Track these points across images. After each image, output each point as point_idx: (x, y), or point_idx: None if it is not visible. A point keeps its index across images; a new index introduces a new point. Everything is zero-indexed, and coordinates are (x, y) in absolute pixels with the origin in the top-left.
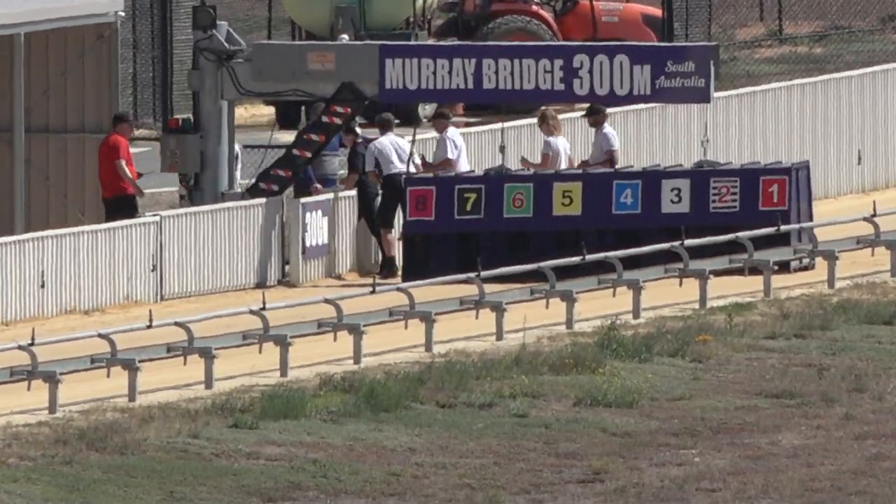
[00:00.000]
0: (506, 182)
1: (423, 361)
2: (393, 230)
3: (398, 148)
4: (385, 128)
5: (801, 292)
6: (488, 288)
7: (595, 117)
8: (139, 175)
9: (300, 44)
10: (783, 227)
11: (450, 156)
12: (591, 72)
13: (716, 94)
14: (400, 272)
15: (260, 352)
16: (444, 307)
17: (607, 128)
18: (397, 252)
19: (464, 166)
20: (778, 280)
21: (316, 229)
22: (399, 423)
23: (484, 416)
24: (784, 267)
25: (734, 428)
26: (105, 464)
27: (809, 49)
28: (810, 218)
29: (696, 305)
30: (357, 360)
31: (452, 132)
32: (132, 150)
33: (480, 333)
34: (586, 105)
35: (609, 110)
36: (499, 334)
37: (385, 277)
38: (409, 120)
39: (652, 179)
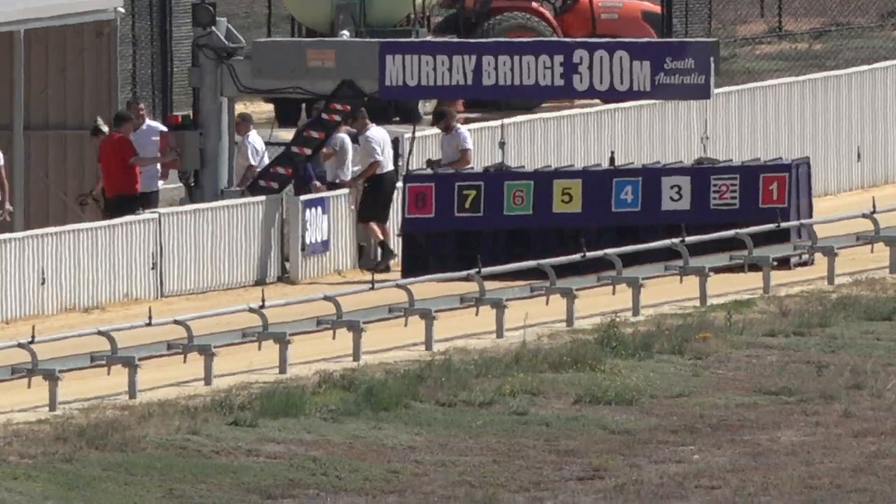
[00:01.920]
0: (506, 179)
1: (422, 359)
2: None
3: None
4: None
5: (801, 289)
6: (488, 285)
7: (445, 121)
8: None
9: (300, 41)
10: (783, 224)
11: (377, 157)
12: (590, 68)
13: (716, 91)
14: (399, 264)
15: (259, 349)
16: (443, 304)
17: (461, 128)
18: (396, 247)
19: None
20: (777, 277)
21: (315, 226)
22: (399, 421)
23: (484, 413)
24: (784, 264)
25: (733, 425)
26: (105, 461)
27: (809, 45)
28: (810, 214)
29: (696, 303)
30: (356, 357)
31: (375, 131)
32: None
33: (480, 331)
34: (586, 101)
35: (609, 106)
36: (499, 332)
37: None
38: (409, 117)
39: (652, 177)
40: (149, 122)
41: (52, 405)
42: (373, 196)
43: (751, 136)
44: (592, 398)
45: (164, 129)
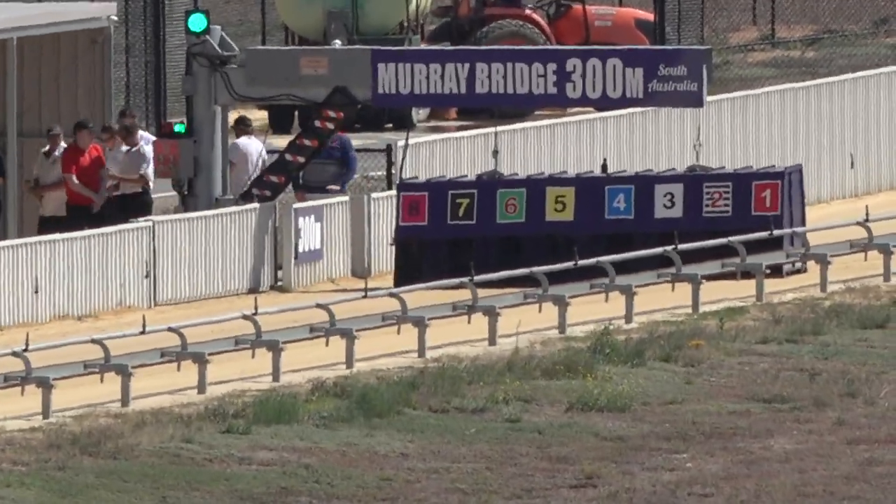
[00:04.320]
0: (499, 187)
1: (415, 366)
2: None
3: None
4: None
5: (794, 296)
6: (481, 293)
7: (131, 134)
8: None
9: (293, 49)
10: (776, 232)
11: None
12: (583, 76)
13: (708, 98)
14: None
15: (252, 357)
16: (436, 312)
17: (144, 147)
18: (391, 257)
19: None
20: (770, 284)
21: (309, 235)
22: (391, 428)
23: (476, 421)
24: (776, 271)
25: (726, 433)
26: (98, 469)
27: (802, 53)
28: (803, 222)
29: (689, 310)
30: (349, 365)
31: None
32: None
33: (473, 338)
34: (579, 109)
35: (602, 114)
36: (491, 339)
37: None
38: (402, 124)
39: (645, 184)
40: (139, 132)
41: (46, 413)
42: None
43: (743, 144)
44: (585, 405)
45: (153, 138)
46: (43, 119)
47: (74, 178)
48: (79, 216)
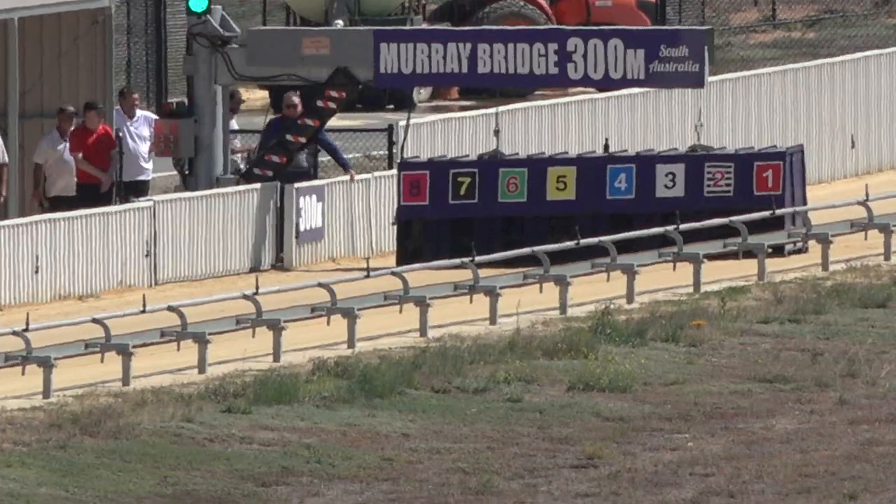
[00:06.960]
0: (500, 167)
1: (417, 346)
2: None
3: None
4: None
5: (795, 276)
6: (482, 273)
7: None
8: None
9: (294, 29)
10: (777, 212)
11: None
12: (585, 56)
13: (710, 79)
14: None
15: (253, 336)
16: (438, 292)
17: None
18: (392, 237)
19: None
20: (772, 264)
21: (310, 214)
22: (393, 408)
23: (478, 401)
24: (778, 251)
25: (728, 413)
26: (99, 448)
27: (803, 34)
28: (804, 202)
29: (690, 290)
30: (351, 344)
31: None
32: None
33: (474, 318)
34: (581, 89)
35: (603, 94)
36: (493, 319)
37: None
38: (403, 104)
39: (646, 164)
40: (139, 111)
41: (47, 392)
42: None
43: (745, 124)
44: (586, 385)
45: (156, 117)
46: (44, 100)
47: (81, 156)
48: (87, 195)
